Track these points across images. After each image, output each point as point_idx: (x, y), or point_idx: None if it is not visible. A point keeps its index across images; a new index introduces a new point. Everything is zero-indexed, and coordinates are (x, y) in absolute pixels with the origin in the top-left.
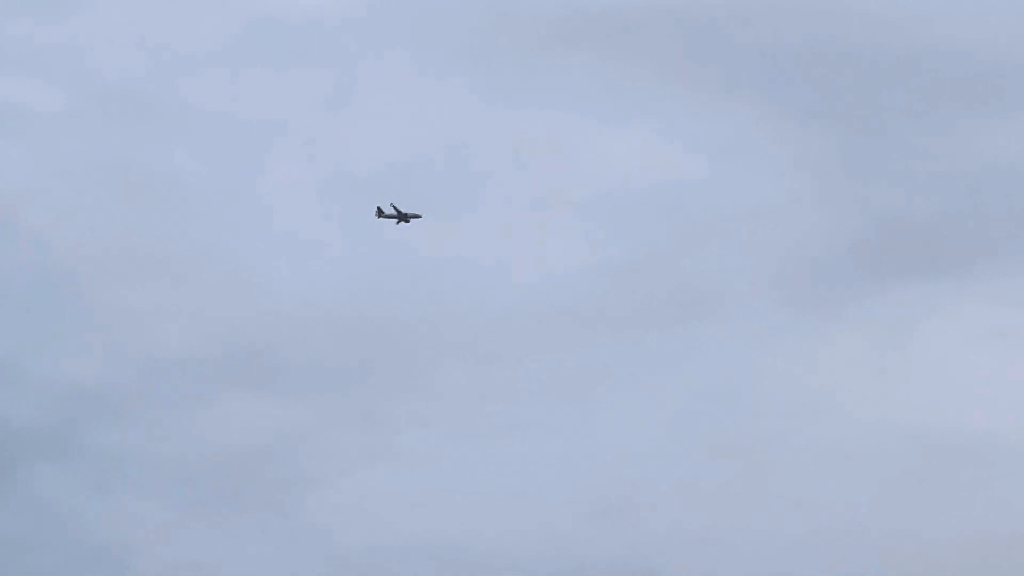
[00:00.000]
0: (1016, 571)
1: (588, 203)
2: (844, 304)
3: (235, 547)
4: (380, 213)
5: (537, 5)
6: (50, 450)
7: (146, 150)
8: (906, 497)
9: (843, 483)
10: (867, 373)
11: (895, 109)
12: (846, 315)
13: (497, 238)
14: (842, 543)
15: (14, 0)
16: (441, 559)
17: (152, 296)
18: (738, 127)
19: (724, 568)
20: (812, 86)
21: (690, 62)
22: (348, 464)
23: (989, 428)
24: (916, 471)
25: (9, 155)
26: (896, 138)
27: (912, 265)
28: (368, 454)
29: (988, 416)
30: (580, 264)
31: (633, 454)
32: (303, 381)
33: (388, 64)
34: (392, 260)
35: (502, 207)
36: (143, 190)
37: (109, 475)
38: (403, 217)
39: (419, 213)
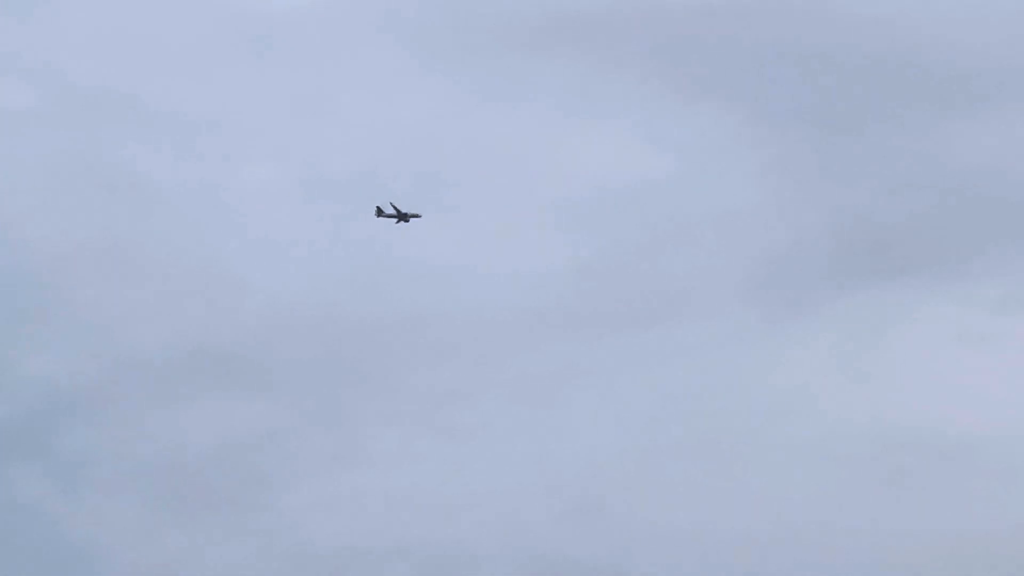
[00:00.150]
0: (986, 567)
1: (559, 204)
2: (815, 305)
3: (206, 546)
4: (380, 212)
5: (510, 7)
6: (21, 449)
7: (119, 150)
8: (877, 496)
9: (813, 483)
10: (838, 374)
11: (866, 112)
12: (817, 316)
13: (467, 239)
14: (813, 541)
15: None
16: (412, 558)
17: (124, 296)
18: (710, 129)
19: (695, 567)
20: (784, 88)
21: (662, 64)
22: (318, 464)
23: (958, 428)
24: (886, 470)
25: None
26: (867, 141)
27: (883, 267)
28: (339, 454)
29: (957, 416)
30: (551, 265)
31: (603, 454)
32: (274, 381)
33: (362, 65)
34: (363, 261)
35: (473, 208)
36: (115, 189)
37: (80, 474)
38: (402, 216)
39: (419, 213)
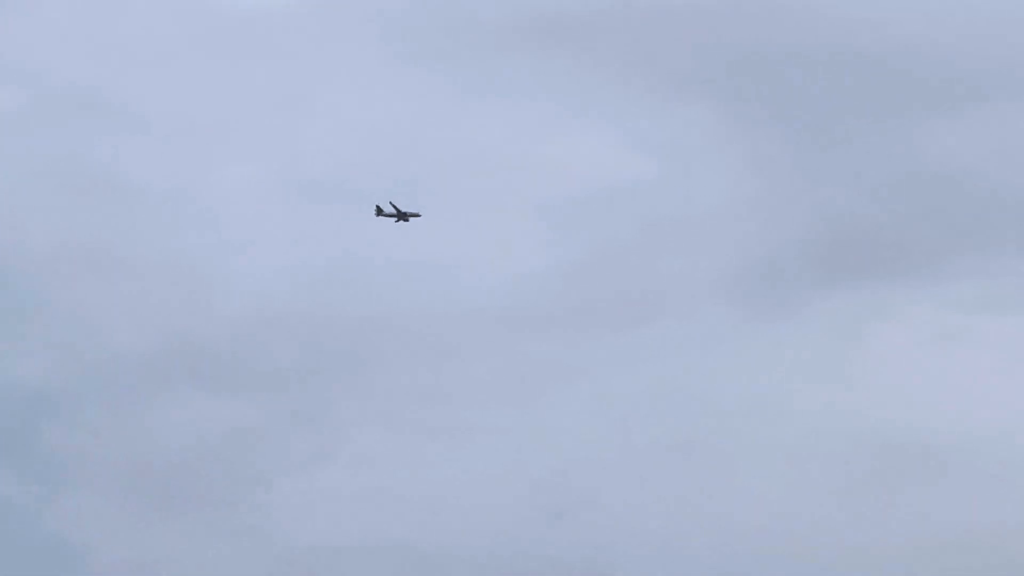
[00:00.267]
0: (965, 568)
1: (539, 204)
2: (795, 306)
3: (184, 545)
4: (379, 212)
5: (490, 6)
6: (0, 448)
7: (97, 149)
8: (856, 497)
9: (793, 482)
10: (817, 374)
11: (846, 112)
12: (797, 317)
13: (447, 239)
14: (793, 541)
15: None
16: (389, 558)
17: (104, 295)
18: (690, 129)
19: (675, 566)
20: (763, 88)
21: (645, 65)
22: (296, 463)
23: (937, 428)
24: (866, 471)
25: None
26: (847, 142)
27: (862, 267)
28: (316, 453)
29: (936, 416)
30: (531, 265)
31: (583, 455)
32: (252, 380)
33: (342, 64)
34: (341, 260)
35: (452, 208)
36: (93, 189)
37: (57, 474)
38: (402, 216)
39: (418, 212)
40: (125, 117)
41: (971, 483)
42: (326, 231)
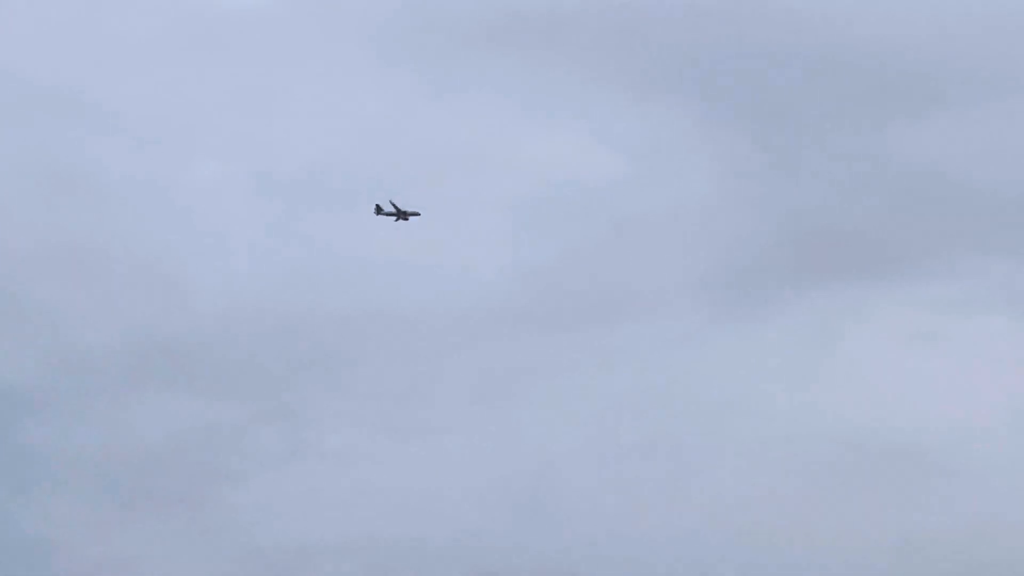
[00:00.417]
0: (940, 565)
1: (512, 204)
2: (769, 306)
3: (156, 542)
4: (379, 211)
5: (461, 6)
6: None
7: (69, 147)
8: (831, 496)
9: (767, 482)
10: (792, 374)
11: (820, 112)
12: (771, 317)
13: (420, 238)
14: (766, 541)
15: None
16: (364, 555)
17: (73, 293)
18: (663, 129)
19: (647, 565)
20: (737, 88)
21: (616, 63)
22: (269, 461)
23: (911, 428)
24: (840, 470)
25: None
26: (820, 142)
27: (837, 268)
28: (290, 451)
29: (910, 416)
30: (504, 264)
31: (556, 454)
32: (225, 378)
33: (311, 63)
34: (315, 259)
35: (425, 207)
36: (64, 187)
37: (28, 471)
38: (401, 215)
39: (418, 211)
40: (97, 115)
41: (946, 481)
42: (301, 230)
